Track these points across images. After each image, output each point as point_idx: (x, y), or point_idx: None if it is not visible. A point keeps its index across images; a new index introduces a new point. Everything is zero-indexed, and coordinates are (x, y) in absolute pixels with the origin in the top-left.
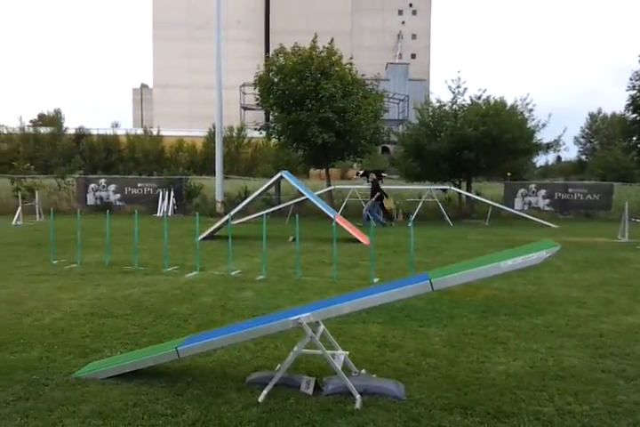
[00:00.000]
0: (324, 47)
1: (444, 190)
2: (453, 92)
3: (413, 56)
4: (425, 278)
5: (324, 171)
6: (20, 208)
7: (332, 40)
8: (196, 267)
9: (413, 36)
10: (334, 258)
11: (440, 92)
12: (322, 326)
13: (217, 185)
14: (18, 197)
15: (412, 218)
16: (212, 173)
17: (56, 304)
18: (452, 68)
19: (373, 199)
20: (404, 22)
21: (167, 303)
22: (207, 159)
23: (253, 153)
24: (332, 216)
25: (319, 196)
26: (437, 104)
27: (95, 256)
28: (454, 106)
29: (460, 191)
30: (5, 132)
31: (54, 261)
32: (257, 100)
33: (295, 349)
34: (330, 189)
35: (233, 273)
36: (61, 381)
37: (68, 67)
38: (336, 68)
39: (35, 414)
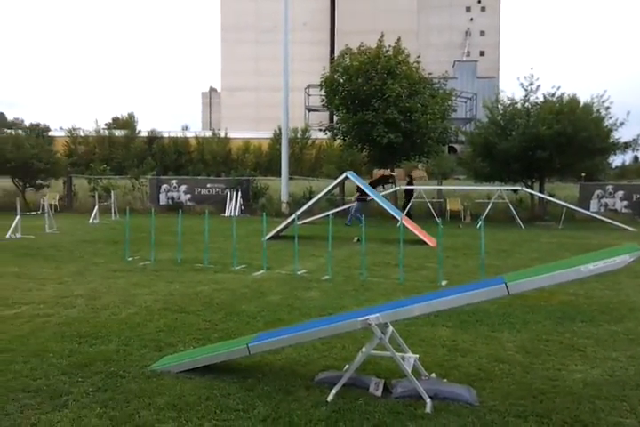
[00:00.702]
0: (390, 46)
1: (515, 191)
2: (526, 90)
3: (482, 53)
4: (500, 282)
5: (388, 171)
6: (96, 207)
7: (399, 39)
8: (264, 266)
9: (482, 33)
10: (400, 259)
11: (510, 90)
12: (391, 328)
13: (282, 186)
14: (95, 196)
15: (482, 219)
16: (277, 173)
17: (131, 299)
18: (523, 64)
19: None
20: (472, 19)
21: (236, 301)
22: (272, 160)
23: (317, 154)
24: (397, 217)
25: (384, 196)
26: (508, 102)
27: (167, 254)
28: (526, 103)
29: (533, 192)
30: (82, 134)
31: (129, 258)
32: (322, 100)
33: (364, 350)
34: (395, 189)
35: (299, 273)
36: (137, 373)
37: (141, 72)
38: (403, 68)
39: (113, 404)
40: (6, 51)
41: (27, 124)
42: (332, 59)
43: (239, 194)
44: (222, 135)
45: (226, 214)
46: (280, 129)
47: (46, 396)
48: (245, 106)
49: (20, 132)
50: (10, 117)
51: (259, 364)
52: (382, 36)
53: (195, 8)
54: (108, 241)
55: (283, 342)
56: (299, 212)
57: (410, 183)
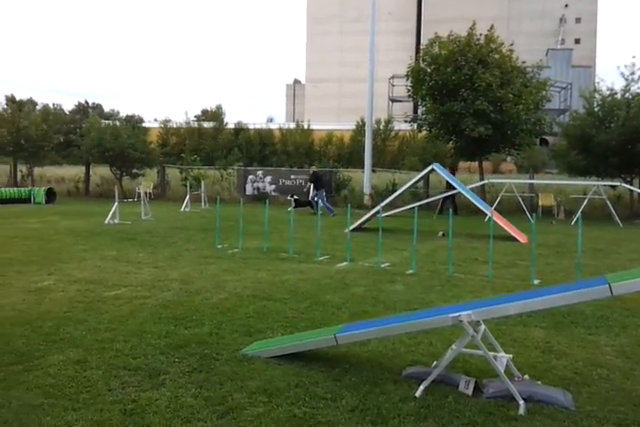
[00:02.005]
0: (481, 34)
1: (614, 187)
2: (626, 79)
3: (577, 41)
4: (603, 282)
5: (473, 164)
6: (187, 196)
7: (492, 26)
8: (347, 257)
9: (577, 20)
10: (490, 256)
11: (608, 79)
12: (483, 326)
13: (365, 178)
14: (186, 186)
15: (577, 216)
16: (359, 165)
17: (222, 285)
18: (622, 53)
19: (316, 189)
20: (567, 5)
21: (321, 291)
22: (354, 152)
23: (400, 146)
24: (486, 211)
25: (471, 190)
26: (607, 92)
27: (254, 242)
28: (627, 94)
29: (633, 188)
30: (174, 126)
31: (219, 246)
32: (408, 91)
33: (454, 347)
34: (483, 182)
35: (382, 265)
36: (230, 357)
37: (229, 65)
38: (495, 56)
39: (207, 386)
40: (103, 45)
41: (122, 115)
42: (417, 48)
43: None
44: (305, 127)
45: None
46: (362, 120)
47: (145, 374)
48: (328, 97)
49: (116, 123)
50: (106, 109)
51: (345, 354)
52: (474, 23)
53: (281, 0)
54: (198, 228)
55: (370, 335)
56: (383, 204)
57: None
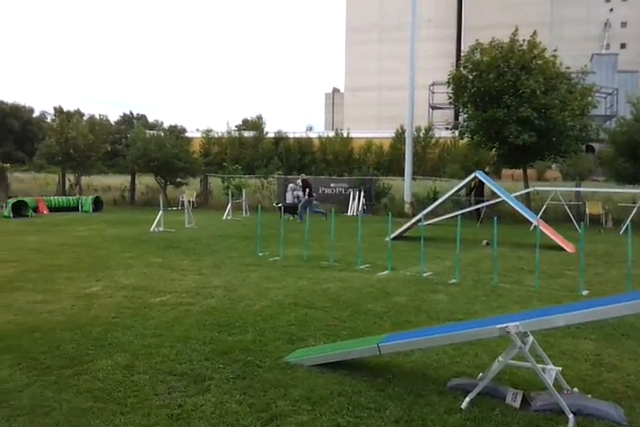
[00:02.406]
0: (523, 40)
1: None
2: None
3: (623, 46)
4: None
5: (517, 171)
6: (229, 205)
7: (535, 32)
8: (388, 266)
9: (623, 25)
10: (536, 265)
11: None
12: (531, 338)
13: (406, 186)
14: (228, 194)
15: (626, 225)
16: (399, 173)
17: (264, 293)
18: None
19: (306, 196)
20: (611, 10)
21: (362, 300)
22: (393, 160)
23: (441, 153)
24: (532, 220)
25: (516, 198)
26: None
27: (294, 250)
28: None
29: None
30: (216, 136)
31: (260, 254)
32: (449, 98)
33: (501, 358)
34: (529, 190)
35: (424, 275)
36: (273, 364)
37: (269, 76)
38: (538, 62)
39: (251, 392)
40: (147, 57)
41: (166, 125)
42: (458, 55)
43: (362, 193)
44: (344, 135)
45: (348, 213)
46: (402, 128)
47: (191, 380)
48: (367, 105)
49: (160, 133)
50: (150, 119)
51: (388, 364)
52: (516, 29)
53: (320, 11)
54: (240, 236)
55: (414, 345)
56: (424, 212)
57: (477, 187)
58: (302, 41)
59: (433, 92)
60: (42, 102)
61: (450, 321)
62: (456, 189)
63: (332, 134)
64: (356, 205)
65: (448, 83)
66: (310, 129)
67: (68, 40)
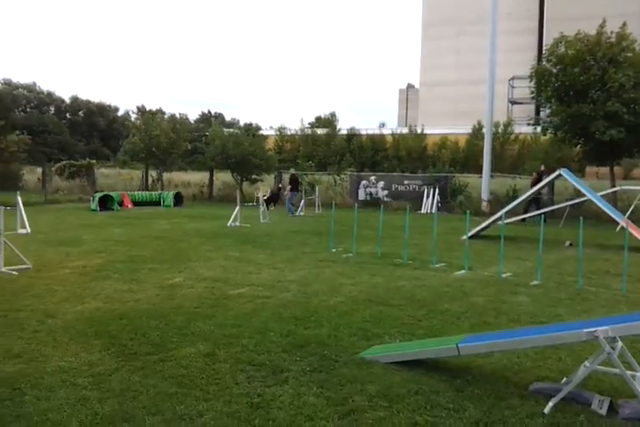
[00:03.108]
0: (612, 32)
1: None
2: None
3: None
4: None
5: (601, 169)
6: (302, 201)
7: (625, 24)
8: (465, 266)
9: None
10: (624, 268)
11: None
12: (620, 343)
13: (483, 183)
14: (301, 191)
15: None
16: (475, 170)
17: (338, 288)
18: None
19: (288, 190)
20: None
21: (438, 299)
22: (469, 156)
23: (520, 150)
24: (619, 221)
25: (602, 197)
26: None
27: (367, 247)
28: None
29: None
30: (289, 133)
31: (333, 250)
32: (531, 93)
33: (587, 364)
34: (615, 189)
35: (503, 275)
36: (348, 359)
37: (342, 72)
38: (628, 55)
39: (328, 386)
40: (224, 57)
41: (241, 123)
42: (540, 48)
43: (437, 191)
44: (418, 131)
45: (422, 211)
46: (479, 124)
47: (269, 370)
48: (443, 101)
49: (237, 131)
50: (227, 118)
51: (467, 365)
52: (604, 21)
53: (393, 6)
54: (313, 232)
55: (495, 347)
56: (505, 210)
57: (538, 180)
58: (376, 37)
59: (513, 87)
60: (126, 101)
61: (531, 324)
62: (538, 186)
63: (405, 131)
64: (430, 203)
65: (530, 77)
66: (383, 126)
67: (149, 41)
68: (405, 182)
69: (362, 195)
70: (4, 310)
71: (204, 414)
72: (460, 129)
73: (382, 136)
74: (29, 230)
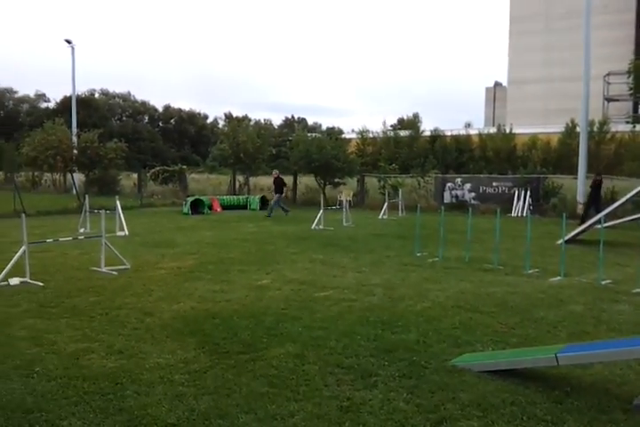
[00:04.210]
0: None
1: None
2: None
3: None
4: None
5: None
6: (386, 204)
7: None
8: (560, 272)
9: None
10: None
11: None
12: None
13: (579, 185)
14: (384, 194)
15: None
16: (568, 171)
17: (424, 293)
18: None
19: (279, 193)
20: None
21: (533, 306)
22: (562, 157)
23: (617, 149)
24: None
25: None
26: None
27: (454, 252)
28: None
29: None
30: (371, 136)
31: (418, 254)
32: (629, 89)
33: None
34: None
35: (603, 282)
36: (439, 366)
37: (425, 72)
38: None
39: (418, 392)
40: (304, 62)
41: (324, 127)
42: (638, 42)
43: (528, 193)
44: (507, 131)
45: (512, 214)
46: (573, 122)
47: (358, 374)
48: (532, 99)
49: (319, 135)
50: (310, 122)
51: (565, 376)
52: None
53: (477, 3)
54: (396, 236)
55: (596, 357)
56: (604, 212)
57: (595, 186)
58: (459, 34)
59: (609, 83)
60: (214, 108)
61: (634, 334)
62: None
63: (492, 130)
64: (521, 206)
65: (628, 72)
66: (469, 126)
67: (233, 50)
68: (494, 184)
69: (447, 197)
70: (105, 308)
71: (295, 415)
72: (551, 128)
73: (468, 136)
74: (127, 233)
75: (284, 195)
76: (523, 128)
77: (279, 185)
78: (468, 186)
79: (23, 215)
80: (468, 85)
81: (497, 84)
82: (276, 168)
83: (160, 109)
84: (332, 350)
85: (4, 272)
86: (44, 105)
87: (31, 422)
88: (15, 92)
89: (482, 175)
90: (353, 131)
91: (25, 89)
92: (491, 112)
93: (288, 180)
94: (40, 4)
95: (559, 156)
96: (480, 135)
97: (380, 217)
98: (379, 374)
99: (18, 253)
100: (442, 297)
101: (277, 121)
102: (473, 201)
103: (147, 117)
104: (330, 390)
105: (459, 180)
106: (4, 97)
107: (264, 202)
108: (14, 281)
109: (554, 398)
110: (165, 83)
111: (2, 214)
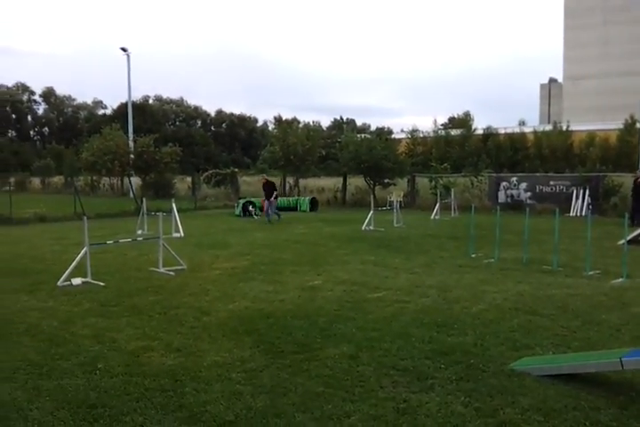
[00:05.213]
0: None
1: None
2: None
3: None
4: None
5: None
6: (437, 204)
7: None
8: (623, 273)
9: None
10: None
11: None
12: None
13: None
14: (435, 194)
15: None
16: (629, 169)
17: (480, 295)
18: None
19: (272, 199)
20: None
21: (594, 309)
22: (622, 154)
23: None
24: None
25: None
26: None
27: (510, 253)
28: None
29: None
30: (421, 135)
31: (473, 255)
32: None
33: None
34: None
35: None
36: (497, 370)
37: (476, 71)
38: None
39: (476, 396)
40: (352, 63)
41: (372, 128)
42: None
43: (587, 192)
44: (564, 128)
45: (571, 214)
46: (632, 118)
47: (413, 376)
48: (589, 95)
49: (368, 136)
50: (359, 123)
51: (630, 381)
52: None
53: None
54: (449, 236)
55: None
56: None
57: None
58: (511, 30)
59: None
60: (263, 112)
61: None
62: None
63: (548, 128)
64: (580, 205)
65: None
66: (523, 123)
67: (279, 54)
68: (551, 183)
69: (502, 197)
70: (164, 307)
71: (351, 416)
72: (609, 124)
73: (523, 134)
74: (182, 234)
75: (273, 198)
76: (579, 125)
77: (270, 189)
78: (523, 185)
79: (85, 218)
80: (521, 82)
81: (552, 81)
82: (324, 169)
83: (212, 114)
84: (387, 351)
85: (66, 272)
86: (101, 111)
87: (95, 416)
88: (74, 100)
89: (538, 174)
90: (402, 131)
91: (83, 96)
92: (546, 109)
93: (337, 181)
94: (96, 14)
95: (618, 153)
96: (535, 133)
97: (431, 217)
98: (435, 377)
99: (80, 255)
100: (499, 299)
101: (326, 122)
102: (529, 201)
103: (199, 122)
104: (385, 392)
105: (514, 179)
106: (63, 104)
107: (314, 203)
108: (77, 281)
109: (618, 403)
110: (217, 88)
111: (63, 217)
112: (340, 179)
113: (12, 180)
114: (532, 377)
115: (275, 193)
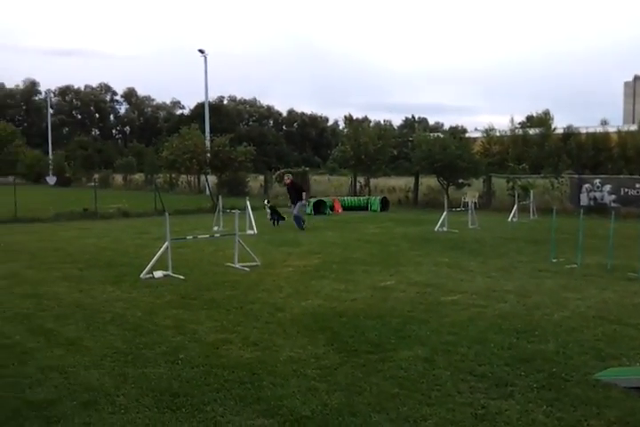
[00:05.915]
0: None
1: None
2: None
3: None
4: None
5: None
6: (515, 206)
7: None
8: None
9: None
10: None
11: None
12: None
13: None
14: (513, 195)
15: None
16: None
17: (562, 302)
18: None
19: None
20: None
21: None
22: None
23: None
24: None
25: None
26: None
27: (594, 258)
28: None
29: None
30: (497, 134)
31: (554, 260)
32: None
33: None
34: None
35: None
36: (581, 379)
37: (554, 68)
38: None
39: (558, 406)
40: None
41: (446, 127)
42: None
43: None
44: None
45: None
46: None
47: (492, 382)
48: None
49: (441, 135)
50: (431, 122)
51: None
52: None
53: None
54: (528, 240)
55: None
56: None
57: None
58: (592, 26)
59: None
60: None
61: None
62: None
63: (633, 127)
64: None
65: None
66: (606, 122)
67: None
68: (637, 186)
69: (584, 200)
70: (240, 302)
71: (428, 419)
72: None
73: (606, 134)
74: (256, 231)
75: (304, 201)
76: None
77: (297, 191)
78: (607, 187)
79: (167, 214)
80: (603, 80)
81: (637, 78)
82: (395, 169)
83: (284, 114)
84: (464, 356)
85: (149, 266)
86: (178, 111)
87: (178, 405)
88: (153, 100)
89: (622, 176)
90: (477, 129)
91: (162, 97)
92: (630, 108)
93: (408, 181)
94: (174, 17)
95: None
96: (619, 132)
97: (508, 220)
98: (515, 384)
99: (161, 249)
100: (582, 307)
101: (397, 121)
102: (613, 204)
103: (271, 122)
104: (463, 397)
105: (597, 181)
106: (143, 104)
107: (385, 203)
108: (158, 274)
109: None
110: (289, 88)
111: (144, 212)
112: (412, 179)
113: (96, 176)
114: (618, 389)
115: (304, 194)
